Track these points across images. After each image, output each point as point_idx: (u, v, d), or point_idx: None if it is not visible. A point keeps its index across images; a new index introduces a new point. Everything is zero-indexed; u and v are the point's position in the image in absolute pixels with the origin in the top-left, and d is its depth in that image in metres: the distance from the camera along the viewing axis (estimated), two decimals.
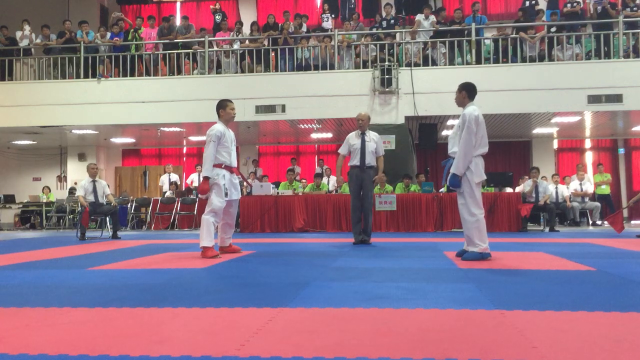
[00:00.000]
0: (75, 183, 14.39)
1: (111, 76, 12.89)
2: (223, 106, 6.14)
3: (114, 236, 9.69)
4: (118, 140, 16.07)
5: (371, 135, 7.52)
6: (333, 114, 12.23)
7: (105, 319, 2.76)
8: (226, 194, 5.80)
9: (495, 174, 12.21)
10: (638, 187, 15.28)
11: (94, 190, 9.76)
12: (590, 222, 12.76)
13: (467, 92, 5.34)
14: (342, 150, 7.64)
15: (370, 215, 7.66)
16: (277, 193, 11.48)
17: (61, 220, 14.21)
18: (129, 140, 16.13)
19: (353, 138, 7.54)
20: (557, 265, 4.88)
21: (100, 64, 12.93)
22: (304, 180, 13.64)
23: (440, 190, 11.58)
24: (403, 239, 8.67)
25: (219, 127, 5.97)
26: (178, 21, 15.20)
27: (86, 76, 12.86)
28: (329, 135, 15.33)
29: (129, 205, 13.45)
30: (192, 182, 14.29)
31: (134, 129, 13.86)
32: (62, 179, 16.65)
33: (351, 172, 7.61)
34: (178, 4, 17.30)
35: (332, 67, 12.32)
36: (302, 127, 13.78)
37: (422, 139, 12.59)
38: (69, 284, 4.06)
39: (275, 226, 10.95)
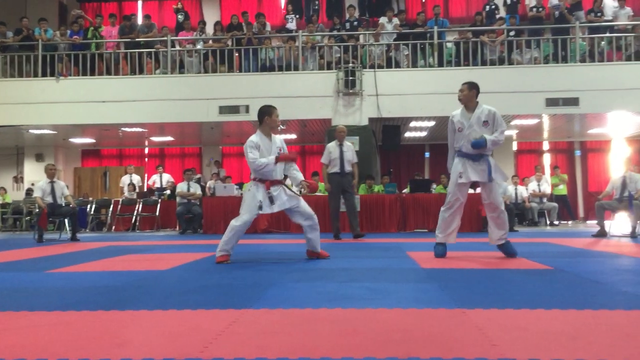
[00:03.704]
0: (33, 184, 14.03)
1: (70, 75, 12.62)
2: (269, 112, 5.43)
3: (73, 238, 9.49)
4: (77, 140, 15.73)
5: (348, 146, 8.68)
6: (297, 115, 12.22)
7: (64, 323, 2.70)
8: (260, 207, 5.38)
9: None
10: (593, 188, 15.72)
11: (52, 192, 9.55)
12: (548, 222, 13.07)
13: (476, 90, 5.57)
14: (325, 160, 8.71)
15: (357, 211, 9.01)
16: (241, 194, 11.41)
17: (18, 222, 13.85)
18: (89, 140, 15.81)
19: (333, 148, 8.61)
20: (516, 264, 4.98)
21: (59, 62, 12.63)
22: None
23: (404, 191, 11.70)
24: (367, 239, 8.72)
25: (254, 137, 5.39)
26: (140, 20, 14.98)
27: (44, 75, 12.54)
28: (293, 136, 15.32)
29: (88, 207, 13.19)
30: (154, 183, 14.10)
31: (94, 129, 13.59)
32: (18, 179, 16.21)
33: (332, 179, 8.61)
34: (140, 2, 17.03)
35: (296, 68, 12.31)
36: None
37: (386, 141, 12.70)
38: (26, 287, 3.96)
39: None
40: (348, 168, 8.59)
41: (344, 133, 8.71)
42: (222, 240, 5.42)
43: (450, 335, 2.36)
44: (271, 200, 5.36)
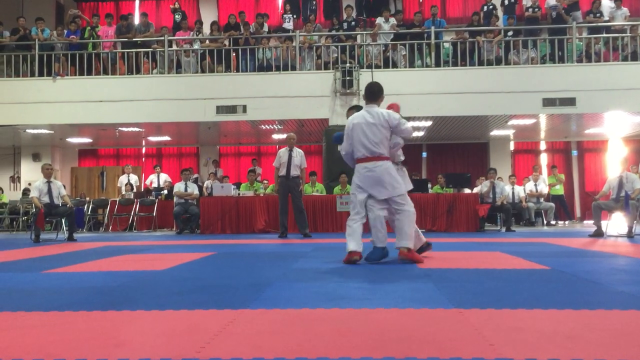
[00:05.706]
0: (30, 184, 14.00)
1: (67, 75, 12.60)
2: (382, 91, 5.39)
3: (70, 238, 9.47)
4: (74, 140, 15.71)
5: (297, 152, 9.44)
6: (294, 114, 12.23)
7: (61, 323, 2.69)
8: None
9: (453, 175, 12.49)
10: (590, 188, 15.76)
11: (49, 191, 9.52)
12: (545, 222, 13.09)
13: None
14: (276, 164, 9.52)
15: (304, 212, 9.45)
16: (238, 194, 11.41)
17: (14, 222, 13.81)
18: (86, 140, 15.79)
19: (283, 153, 9.39)
20: (513, 264, 4.99)
21: (56, 62, 12.62)
22: (265, 181, 13.60)
23: None
24: (363, 239, 8.71)
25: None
26: (137, 19, 14.96)
27: (41, 74, 12.54)
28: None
29: (85, 207, 13.16)
30: (151, 183, 14.08)
31: (91, 128, 13.58)
32: (15, 179, 16.18)
33: (281, 181, 9.44)
34: (137, 2, 17.02)
35: (293, 68, 12.31)
36: (264, 127, 13.74)
37: None
38: (23, 287, 3.95)
39: (236, 227, 10.88)
40: (294, 172, 9.34)
41: (293, 140, 9.55)
42: (410, 232, 5.25)
43: (447, 335, 2.36)
44: None
